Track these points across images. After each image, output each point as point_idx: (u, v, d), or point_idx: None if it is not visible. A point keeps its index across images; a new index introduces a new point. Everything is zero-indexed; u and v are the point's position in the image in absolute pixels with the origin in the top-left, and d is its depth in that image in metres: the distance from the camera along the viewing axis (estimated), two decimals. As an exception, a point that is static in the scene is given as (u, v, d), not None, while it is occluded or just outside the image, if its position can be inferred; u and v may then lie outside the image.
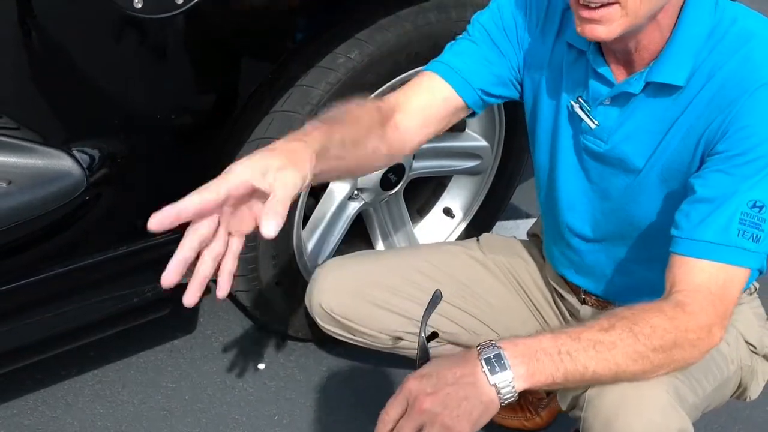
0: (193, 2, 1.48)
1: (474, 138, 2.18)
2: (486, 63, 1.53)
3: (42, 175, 1.50)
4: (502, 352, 1.22)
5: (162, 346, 2.10)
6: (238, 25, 1.60)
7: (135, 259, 1.71)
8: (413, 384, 1.22)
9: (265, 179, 1.13)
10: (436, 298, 1.35)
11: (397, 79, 1.85)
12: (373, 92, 1.84)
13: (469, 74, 1.52)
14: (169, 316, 2.03)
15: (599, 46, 1.41)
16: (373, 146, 1.43)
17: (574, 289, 1.70)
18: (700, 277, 1.29)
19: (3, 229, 1.46)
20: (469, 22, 1.86)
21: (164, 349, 2.10)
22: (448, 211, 2.30)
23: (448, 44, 1.57)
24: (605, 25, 1.28)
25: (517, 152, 2.22)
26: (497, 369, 1.21)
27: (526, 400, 1.99)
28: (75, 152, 1.52)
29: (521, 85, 1.57)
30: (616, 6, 1.26)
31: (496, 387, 1.20)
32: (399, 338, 1.70)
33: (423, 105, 1.51)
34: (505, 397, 1.21)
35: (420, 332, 1.31)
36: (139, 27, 1.47)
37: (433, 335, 1.56)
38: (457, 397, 1.20)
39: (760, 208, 1.28)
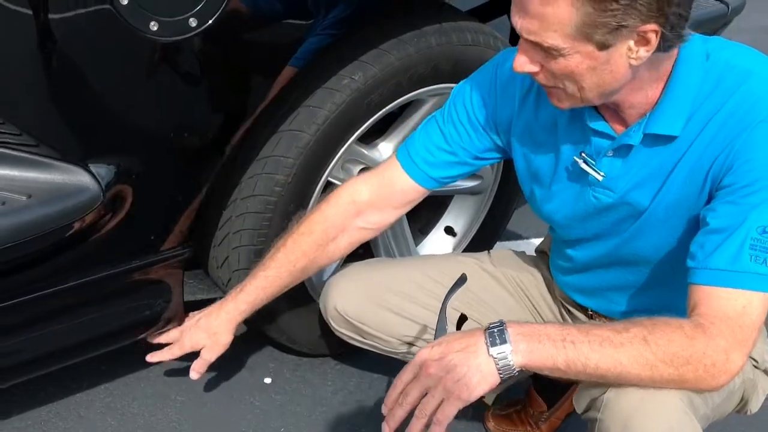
0: (207, 25, 1.55)
1: (474, 158, 2.24)
2: (450, 157, 1.67)
3: (60, 190, 1.56)
4: (505, 328, 1.30)
5: (171, 361, 2.15)
6: (248, 47, 1.67)
7: (147, 273, 1.77)
8: (425, 352, 1.35)
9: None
10: (461, 280, 1.46)
11: (399, 99, 1.92)
12: (376, 112, 1.90)
13: (431, 169, 1.68)
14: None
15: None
16: (348, 241, 1.76)
17: (582, 309, 1.76)
18: (719, 303, 1.33)
19: (23, 240, 1.52)
20: (468, 44, 1.94)
21: (173, 364, 2.13)
22: (449, 230, 2.36)
23: (423, 123, 1.72)
24: (557, 100, 1.41)
25: (516, 174, 2.28)
26: (498, 341, 1.31)
27: (527, 413, 2.04)
28: (92, 168, 1.59)
29: (505, 149, 1.67)
30: (561, 90, 1.37)
31: (495, 358, 1.29)
32: (410, 344, 1.76)
33: (389, 199, 1.73)
34: (502, 369, 1.30)
35: (442, 306, 1.40)
36: (155, 49, 1.54)
37: (463, 318, 1.62)
38: (460, 364, 1.31)
39: None
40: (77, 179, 1.57)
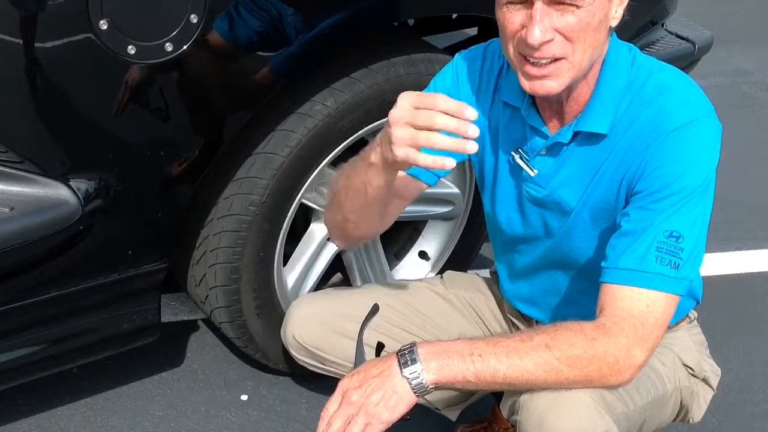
0: (182, 50, 1.66)
1: (447, 185, 2.33)
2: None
3: (41, 203, 1.66)
4: (416, 349, 1.40)
5: (151, 377, 2.23)
6: (223, 71, 1.78)
7: (125, 286, 1.86)
8: (345, 381, 1.43)
9: None
10: (374, 310, 1.55)
11: (370, 126, 2.02)
12: (348, 137, 2.00)
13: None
14: (158, 350, 2.17)
15: (533, 103, 1.56)
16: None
17: (527, 320, 1.84)
18: (623, 302, 1.42)
19: (4, 250, 1.61)
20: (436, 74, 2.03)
21: (153, 381, 2.22)
22: (423, 254, 2.44)
23: None
24: (555, 80, 1.42)
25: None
26: (409, 362, 1.40)
27: (492, 429, 2.10)
28: (72, 183, 1.69)
29: None
30: (563, 60, 1.41)
31: (408, 379, 1.38)
32: None
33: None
34: (416, 387, 1.39)
35: (358, 338, 1.49)
36: (132, 71, 1.65)
37: (380, 346, 1.71)
38: (377, 388, 1.39)
39: (677, 237, 1.42)
40: (57, 193, 1.68)
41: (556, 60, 1.41)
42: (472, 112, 1.32)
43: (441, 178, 1.74)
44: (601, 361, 1.39)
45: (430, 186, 1.70)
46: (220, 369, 2.29)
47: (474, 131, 1.32)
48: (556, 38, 1.39)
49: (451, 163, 1.35)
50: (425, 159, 1.35)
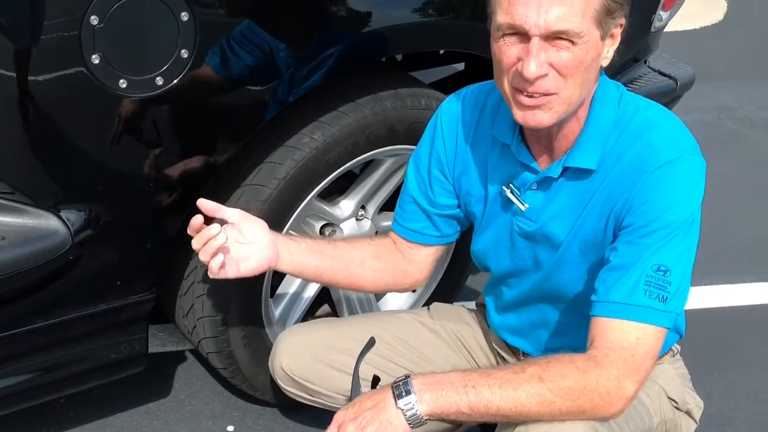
0: (173, 84, 1.69)
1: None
2: (435, 207, 1.78)
3: (31, 233, 1.68)
4: (410, 381, 1.42)
5: (138, 408, 2.23)
6: (212, 104, 1.81)
7: (113, 316, 1.87)
8: (341, 414, 1.46)
9: None
10: (370, 343, 1.57)
11: (356, 159, 2.06)
12: (335, 170, 2.03)
13: (433, 230, 1.80)
14: (144, 381, 2.18)
15: (523, 139, 1.60)
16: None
17: (514, 351, 1.86)
18: (613, 334, 1.45)
19: (-4, 278, 1.64)
20: (422, 108, 2.08)
21: (140, 411, 2.23)
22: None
23: (399, 199, 1.85)
24: (546, 111, 1.46)
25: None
26: (404, 394, 1.43)
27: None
28: (62, 214, 1.71)
29: (460, 192, 1.77)
30: (555, 96, 1.45)
31: (402, 410, 1.40)
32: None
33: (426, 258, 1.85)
34: (410, 418, 1.41)
35: (354, 371, 1.51)
36: (123, 105, 1.68)
37: (376, 379, 1.72)
38: (372, 420, 1.42)
39: (665, 272, 1.45)
40: (48, 224, 1.70)
41: (548, 94, 1.45)
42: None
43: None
44: (593, 393, 1.41)
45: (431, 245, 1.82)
46: (206, 400, 2.30)
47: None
48: (551, 73, 1.43)
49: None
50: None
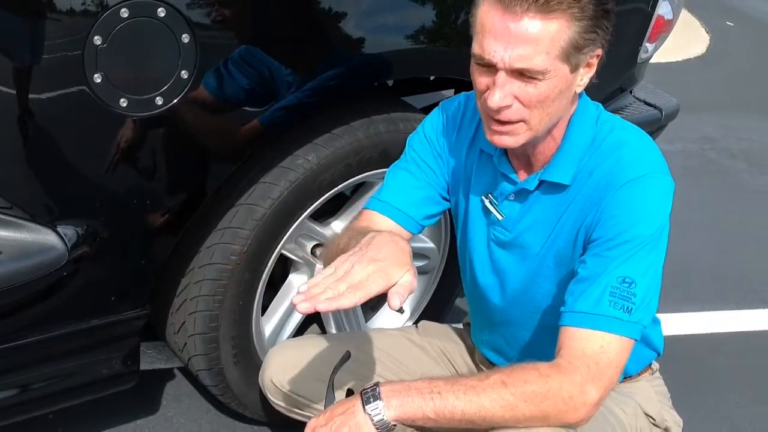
0: (172, 104, 1.73)
1: (422, 240, 2.40)
2: (422, 192, 1.76)
3: (29, 248, 1.70)
4: (378, 387, 1.46)
5: (126, 424, 2.24)
6: (210, 124, 1.85)
7: (105, 332, 1.89)
8: (313, 421, 1.49)
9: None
10: (345, 356, 1.62)
11: (349, 180, 2.10)
12: (328, 191, 2.07)
13: (409, 208, 1.75)
14: (133, 397, 2.19)
15: (505, 151, 1.66)
16: None
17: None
18: (578, 343, 1.49)
19: (-7, 292, 1.66)
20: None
21: (128, 428, 2.24)
22: (398, 308, 2.49)
23: (386, 175, 1.79)
24: (512, 137, 1.53)
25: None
26: (371, 400, 1.46)
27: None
28: (59, 229, 1.73)
29: (449, 192, 1.80)
30: (521, 123, 1.51)
31: (370, 415, 1.44)
32: None
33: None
34: (377, 423, 1.44)
35: (329, 382, 1.56)
36: (123, 123, 1.71)
37: (349, 392, 1.76)
38: (342, 425, 1.45)
39: (630, 283, 1.50)
40: (45, 239, 1.72)
41: (514, 122, 1.51)
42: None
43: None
44: (556, 397, 1.44)
45: (413, 234, 1.77)
46: (195, 417, 2.31)
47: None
48: (515, 105, 1.48)
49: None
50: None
